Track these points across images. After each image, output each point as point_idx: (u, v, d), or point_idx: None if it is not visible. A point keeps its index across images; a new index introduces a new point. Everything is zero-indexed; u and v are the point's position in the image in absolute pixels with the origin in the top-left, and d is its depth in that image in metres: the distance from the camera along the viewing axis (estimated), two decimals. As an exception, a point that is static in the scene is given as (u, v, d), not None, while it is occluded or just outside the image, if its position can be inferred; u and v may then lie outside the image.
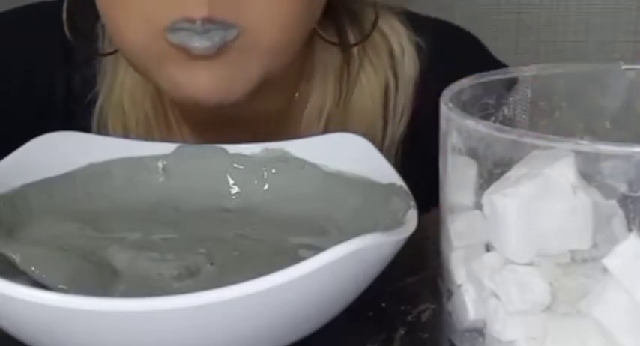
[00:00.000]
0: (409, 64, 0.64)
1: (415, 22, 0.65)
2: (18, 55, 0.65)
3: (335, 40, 0.62)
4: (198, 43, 0.48)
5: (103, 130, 0.62)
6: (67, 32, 0.60)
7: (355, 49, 0.63)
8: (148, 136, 0.62)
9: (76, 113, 0.63)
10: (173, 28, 0.49)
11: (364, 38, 0.62)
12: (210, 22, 0.48)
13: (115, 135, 0.62)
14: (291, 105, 0.63)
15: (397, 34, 0.64)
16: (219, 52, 0.49)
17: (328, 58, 0.63)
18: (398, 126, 0.64)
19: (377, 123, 0.64)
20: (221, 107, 0.52)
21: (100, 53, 0.62)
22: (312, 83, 0.64)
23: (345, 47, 0.62)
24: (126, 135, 0.62)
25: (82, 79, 0.63)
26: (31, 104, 0.64)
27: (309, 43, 0.61)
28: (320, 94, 0.63)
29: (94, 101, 0.63)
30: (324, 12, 0.57)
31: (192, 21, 0.48)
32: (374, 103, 0.64)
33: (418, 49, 0.64)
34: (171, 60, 0.50)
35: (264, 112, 0.53)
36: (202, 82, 0.51)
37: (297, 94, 0.63)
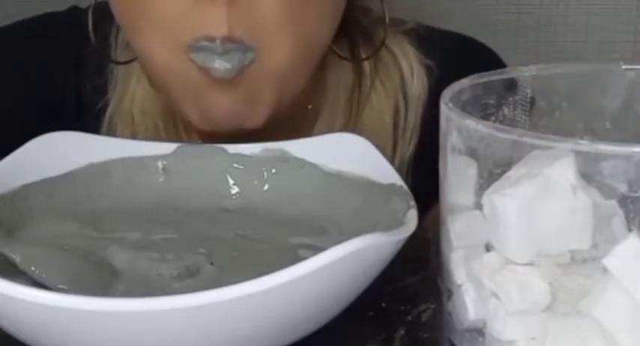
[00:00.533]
0: (418, 85, 0.64)
1: (428, 40, 0.65)
2: (29, 65, 0.65)
3: (348, 56, 0.62)
4: (218, 65, 0.49)
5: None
6: (91, 37, 0.60)
7: (367, 69, 0.64)
8: None
9: (85, 121, 0.62)
10: (194, 47, 0.49)
11: (373, 53, 0.62)
12: (230, 42, 0.48)
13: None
14: (302, 118, 0.63)
15: (407, 56, 0.65)
16: (238, 77, 0.49)
17: (341, 74, 0.64)
18: (408, 146, 0.64)
19: (387, 143, 0.64)
20: (241, 133, 0.52)
21: (114, 60, 0.62)
22: (324, 98, 0.64)
23: (356, 62, 0.63)
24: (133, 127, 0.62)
25: (92, 87, 0.63)
26: (42, 112, 0.64)
27: (322, 59, 0.61)
28: (331, 111, 0.64)
29: (103, 110, 0.63)
30: (338, 29, 0.57)
31: (212, 39, 0.48)
32: (384, 123, 0.64)
33: (428, 69, 0.65)
34: (191, 81, 0.51)
35: (275, 124, 0.53)
36: (223, 107, 0.51)
37: (309, 106, 0.63)
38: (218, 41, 0.48)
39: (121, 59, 0.61)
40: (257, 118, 0.52)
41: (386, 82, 0.64)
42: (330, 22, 0.55)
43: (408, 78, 0.65)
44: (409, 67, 0.65)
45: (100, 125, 0.63)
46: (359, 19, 0.63)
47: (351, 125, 0.63)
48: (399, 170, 0.61)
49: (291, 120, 0.60)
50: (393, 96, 0.65)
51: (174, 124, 0.63)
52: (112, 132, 0.62)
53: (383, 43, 0.61)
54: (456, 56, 0.67)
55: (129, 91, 0.63)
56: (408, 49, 0.65)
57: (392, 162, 0.62)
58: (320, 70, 0.62)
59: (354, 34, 0.63)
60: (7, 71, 0.65)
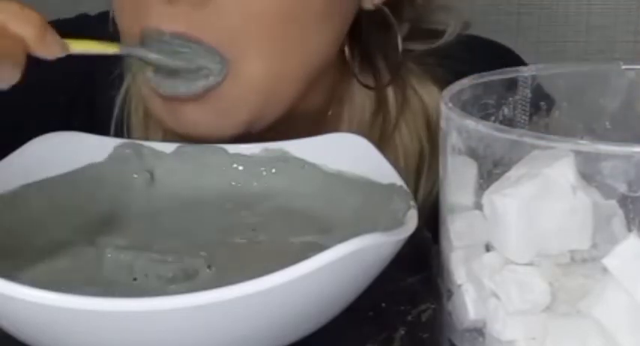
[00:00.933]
0: None
1: (455, 48, 0.63)
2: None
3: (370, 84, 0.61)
4: (179, 89, 0.48)
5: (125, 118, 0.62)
6: (111, 29, 0.59)
7: (393, 108, 0.62)
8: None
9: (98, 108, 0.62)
10: (143, 36, 0.48)
11: (390, 82, 0.61)
12: (178, 38, 0.48)
13: (135, 132, 0.62)
14: (321, 124, 0.61)
15: (435, 102, 0.62)
16: (204, 95, 0.49)
17: (360, 107, 0.63)
18: (429, 194, 0.63)
19: (407, 186, 0.62)
20: (217, 141, 0.51)
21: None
22: (340, 123, 0.63)
23: (378, 89, 0.62)
24: (147, 130, 0.62)
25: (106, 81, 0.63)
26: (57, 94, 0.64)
27: (342, 78, 0.60)
28: (354, 122, 0.62)
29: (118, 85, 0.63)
30: (361, 56, 0.56)
31: (161, 33, 0.48)
32: (407, 166, 0.63)
33: None
34: (151, 93, 0.50)
35: (289, 127, 0.53)
36: (185, 121, 0.51)
37: (330, 113, 0.62)
38: (167, 35, 0.48)
39: None
40: (233, 129, 0.51)
41: (411, 125, 0.63)
42: (322, 36, 0.53)
43: (436, 126, 0.63)
44: (437, 114, 0.63)
45: (114, 102, 0.62)
46: (378, 44, 0.61)
47: None
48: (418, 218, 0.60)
49: (308, 124, 0.59)
50: (417, 140, 0.63)
51: None
52: (126, 106, 0.62)
53: (398, 68, 0.60)
54: (483, 62, 0.65)
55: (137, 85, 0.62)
56: (437, 95, 0.62)
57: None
58: (342, 79, 0.60)
59: (377, 61, 0.61)
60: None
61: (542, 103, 0.43)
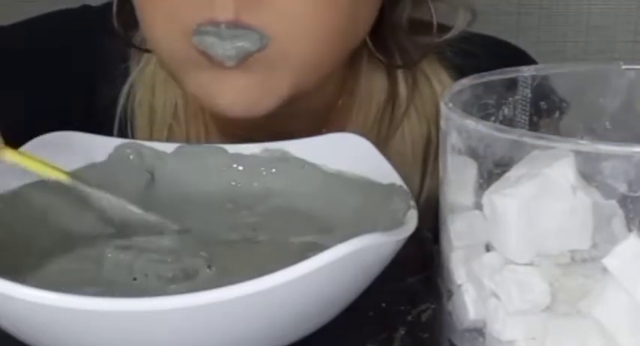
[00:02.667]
0: None
1: (465, 47, 0.63)
2: (51, 53, 0.64)
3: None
4: (221, 50, 0.47)
5: (130, 112, 0.62)
6: (116, 24, 0.59)
7: (403, 94, 0.62)
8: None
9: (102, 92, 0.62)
10: (198, 31, 0.48)
11: (406, 65, 0.61)
12: (236, 26, 0.47)
13: (139, 130, 0.62)
14: (332, 112, 0.62)
15: (444, 86, 0.63)
16: (245, 64, 0.48)
17: (374, 79, 0.62)
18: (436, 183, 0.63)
19: (414, 174, 0.62)
20: (247, 119, 0.51)
21: (136, 46, 0.61)
22: (350, 113, 0.62)
23: (390, 70, 0.61)
24: (151, 125, 0.62)
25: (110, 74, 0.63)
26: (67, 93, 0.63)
27: (353, 68, 0.60)
28: (357, 129, 0.62)
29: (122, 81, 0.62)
30: (377, 35, 0.56)
31: (216, 24, 0.47)
32: (414, 154, 0.63)
33: None
34: (196, 65, 0.50)
35: (300, 113, 0.53)
36: (226, 93, 0.50)
37: (340, 102, 0.62)
38: (223, 26, 0.47)
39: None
40: (264, 106, 0.51)
41: (421, 110, 0.63)
42: (360, 22, 0.53)
43: None
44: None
45: (118, 97, 0.62)
46: (398, 27, 0.60)
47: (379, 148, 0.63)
48: (427, 203, 0.59)
49: (318, 114, 0.59)
50: (426, 127, 0.63)
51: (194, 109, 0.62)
52: (131, 98, 0.62)
53: (419, 61, 0.60)
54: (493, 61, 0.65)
55: (152, 61, 0.62)
56: (448, 81, 0.63)
57: (419, 195, 0.61)
58: (353, 68, 0.61)
59: (390, 41, 0.61)
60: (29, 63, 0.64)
61: (554, 105, 0.43)
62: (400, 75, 0.62)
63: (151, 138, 0.62)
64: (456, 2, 0.60)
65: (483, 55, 0.62)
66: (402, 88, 0.63)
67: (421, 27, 0.60)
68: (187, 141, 0.62)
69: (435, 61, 0.63)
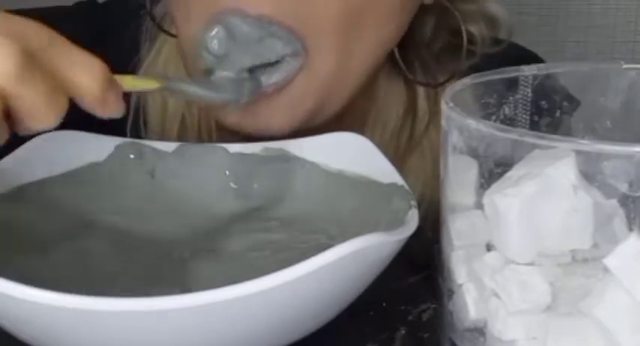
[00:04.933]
0: None
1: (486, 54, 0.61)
2: None
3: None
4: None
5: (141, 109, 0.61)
6: (148, 7, 0.58)
7: (424, 110, 0.61)
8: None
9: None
10: (217, 18, 0.46)
11: (428, 84, 0.59)
12: (270, 23, 0.46)
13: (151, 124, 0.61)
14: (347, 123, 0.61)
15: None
16: (275, 90, 0.48)
17: (393, 91, 0.61)
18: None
19: (433, 194, 0.60)
20: (262, 138, 0.51)
21: (161, 28, 0.60)
22: (367, 119, 0.61)
23: (410, 83, 0.60)
24: (164, 115, 0.61)
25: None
26: None
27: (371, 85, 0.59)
28: (374, 140, 0.62)
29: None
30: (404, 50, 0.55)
31: (245, 14, 0.46)
32: (433, 173, 0.60)
33: None
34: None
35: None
36: (262, 117, 0.50)
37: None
38: (251, 18, 0.46)
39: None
40: (295, 123, 0.51)
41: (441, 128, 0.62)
42: (389, 32, 0.52)
43: None
44: None
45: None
46: (421, 44, 0.60)
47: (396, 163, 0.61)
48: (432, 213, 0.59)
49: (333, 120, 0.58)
50: None
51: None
52: (142, 97, 0.61)
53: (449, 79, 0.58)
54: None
55: (163, 52, 0.61)
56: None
57: (436, 213, 0.61)
58: (372, 82, 0.59)
59: (412, 56, 0.60)
60: None
61: (542, 103, 0.43)
62: (421, 89, 0.61)
63: (163, 128, 0.61)
64: (497, 26, 0.60)
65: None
66: (423, 103, 0.61)
67: (454, 50, 0.59)
68: (199, 131, 0.61)
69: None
